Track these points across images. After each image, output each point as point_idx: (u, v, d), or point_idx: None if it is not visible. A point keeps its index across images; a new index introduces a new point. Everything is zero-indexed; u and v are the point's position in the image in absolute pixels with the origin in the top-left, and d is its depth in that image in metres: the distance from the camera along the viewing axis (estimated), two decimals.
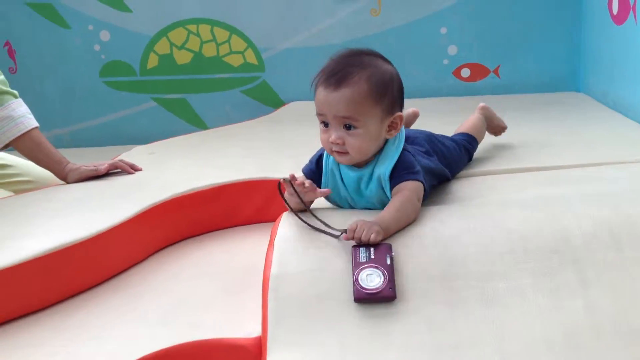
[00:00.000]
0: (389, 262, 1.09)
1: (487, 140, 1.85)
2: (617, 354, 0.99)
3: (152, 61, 2.74)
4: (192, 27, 2.75)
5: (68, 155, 1.78)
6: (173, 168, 1.84)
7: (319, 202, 1.30)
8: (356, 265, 1.09)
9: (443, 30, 2.74)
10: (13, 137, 1.70)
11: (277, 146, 2.03)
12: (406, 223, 1.19)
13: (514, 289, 1.07)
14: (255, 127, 2.41)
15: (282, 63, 2.79)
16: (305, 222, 1.20)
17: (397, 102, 1.24)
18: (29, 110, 1.76)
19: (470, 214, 1.22)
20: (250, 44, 2.78)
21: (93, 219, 1.42)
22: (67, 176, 1.73)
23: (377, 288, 1.06)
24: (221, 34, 2.76)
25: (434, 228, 1.17)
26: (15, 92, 1.76)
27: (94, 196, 1.61)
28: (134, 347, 1.13)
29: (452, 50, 2.76)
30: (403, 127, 1.28)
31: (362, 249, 1.11)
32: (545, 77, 2.76)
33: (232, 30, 2.77)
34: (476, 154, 1.68)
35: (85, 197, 1.61)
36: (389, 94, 1.21)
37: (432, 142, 1.45)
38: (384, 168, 1.23)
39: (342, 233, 1.15)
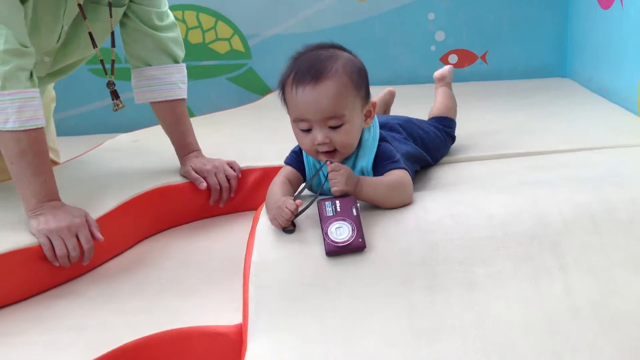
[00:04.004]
0: (355, 213, 1.11)
1: (473, 125, 1.85)
2: (595, 339, 0.99)
3: None
4: (178, 13, 2.72)
5: None
6: (156, 157, 1.82)
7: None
8: (324, 220, 1.11)
9: (431, 16, 2.73)
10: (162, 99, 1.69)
11: (262, 134, 2.02)
12: (386, 200, 1.17)
13: (494, 274, 1.07)
14: (241, 114, 2.39)
15: (268, 50, 2.77)
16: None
17: (369, 90, 1.22)
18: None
19: (452, 200, 1.21)
20: (236, 31, 2.75)
21: None
22: (183, 163, 1.66)
23: (347, 240, 1.09)
24: (207, 20, 2.73)
25: (416, 213, 1.17)
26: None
27: (75, 187, 1.59)
28: (114, 336, 1.12)
29: (440, 36, 2.75)
30: (376, 116, 1.26)
31: (327, 203, 1.13)
32: (532, 63, 2.76)
33: (218, 16, 2.74)
34: (462, 140, 1.68)
35: (67, 189, 1.58)
36: (364, 81, 1.19)
37: (410, 128, 1.44)
38: (366, 160, 1.22)
39: (326, 163, 1.15)
